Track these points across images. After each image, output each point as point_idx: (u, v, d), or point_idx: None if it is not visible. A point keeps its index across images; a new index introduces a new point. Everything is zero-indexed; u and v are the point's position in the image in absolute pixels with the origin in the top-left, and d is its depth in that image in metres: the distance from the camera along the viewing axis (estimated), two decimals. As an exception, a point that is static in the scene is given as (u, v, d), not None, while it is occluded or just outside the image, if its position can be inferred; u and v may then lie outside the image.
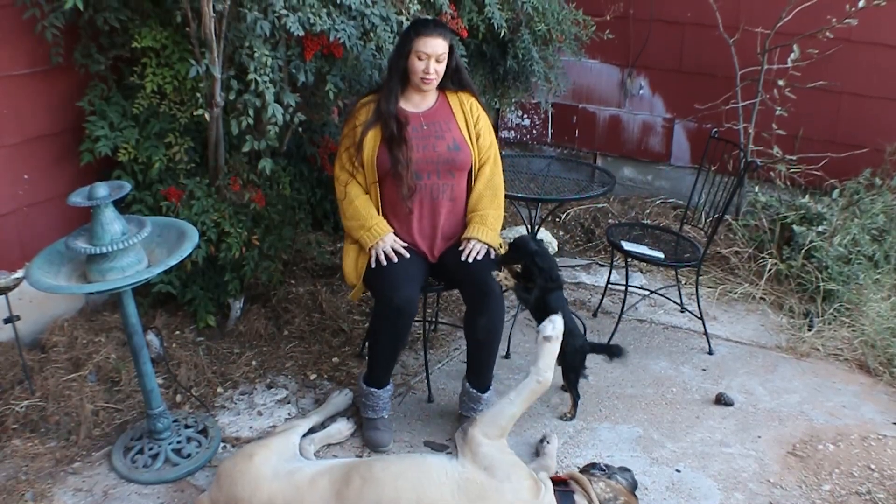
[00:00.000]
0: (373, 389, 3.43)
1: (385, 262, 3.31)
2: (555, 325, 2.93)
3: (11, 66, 3.60)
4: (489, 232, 3.41)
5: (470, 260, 3.33)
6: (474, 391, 3.44)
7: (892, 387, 3.86)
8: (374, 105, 3.39)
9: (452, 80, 3.49)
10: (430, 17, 3.66)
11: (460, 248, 3.38)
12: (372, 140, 3.36)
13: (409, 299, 3.22)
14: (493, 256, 3.39)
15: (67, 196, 2.85)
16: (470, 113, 3.51)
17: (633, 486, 2.90)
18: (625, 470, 2.94)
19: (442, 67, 3.35)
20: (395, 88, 3.37)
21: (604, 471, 2.89)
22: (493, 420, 2.85)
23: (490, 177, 3.52)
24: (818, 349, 4.15)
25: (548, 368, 2.89)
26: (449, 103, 3.50)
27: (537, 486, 2.70)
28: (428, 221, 3.46)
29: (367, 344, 3.75)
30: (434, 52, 3.28)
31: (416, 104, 3.45)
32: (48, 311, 3.91)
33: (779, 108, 4.92)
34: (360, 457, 3.36)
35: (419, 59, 3.30)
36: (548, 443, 3.36)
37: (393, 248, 3.34)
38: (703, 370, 4.01)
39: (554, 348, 2.92)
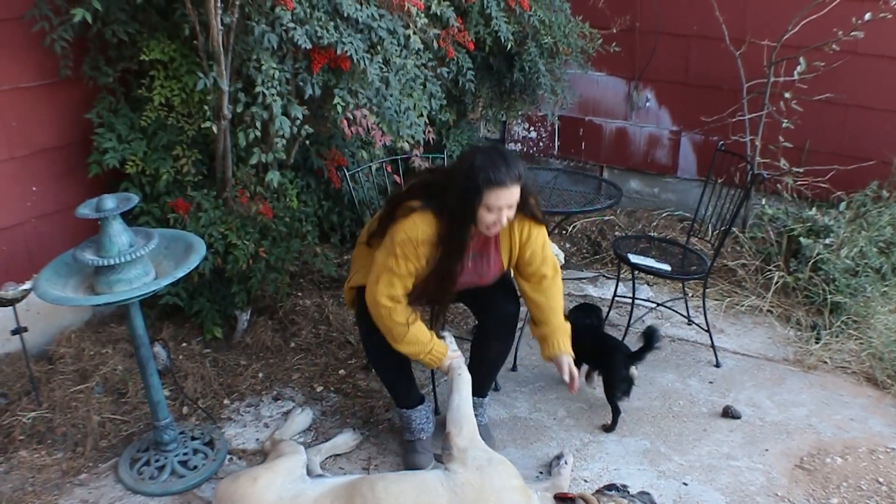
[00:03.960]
0: (403, 410, 3.39)
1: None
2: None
3: (20, 79, 3.62)
4: (569, 340, 3.30)
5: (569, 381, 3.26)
6: (475, 398, 3.40)
7: (901, 400, 3.84)
8: (436, 248, 2.99)
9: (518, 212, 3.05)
10: (499, 151, 2.93)
11: (561, 374, 3.27)
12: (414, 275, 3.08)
13: None
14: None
15: (75, 208, 2.87)
16: (518, 239, 3.15)
17: None
18: (644, 493, 2.94)
19: (513, 211, 2.96)
20: (464, 240, 2.97)
21: (620, 492, 2.88)
22: (463, 420, 2.96)
23: (557, 290, 3.27)
24: (826, 362, 4.13)
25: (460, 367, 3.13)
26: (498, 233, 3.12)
27: (524, 490, 2.77)
28: None
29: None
30: (508, 202, 2.88)
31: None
32: (56, 322, 3.92)
33: (785, 121, 4.91)
34: (367, 469, 3.36)
35: (489, 211, 2.87)
36: (565, 463, 3.33)
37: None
38: (711, 383, 4.00)
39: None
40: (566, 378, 3.24)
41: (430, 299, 3.19)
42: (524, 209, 3.03)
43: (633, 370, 3.64)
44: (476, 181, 2.82)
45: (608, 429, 3.61)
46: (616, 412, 3.61)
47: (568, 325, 3.31)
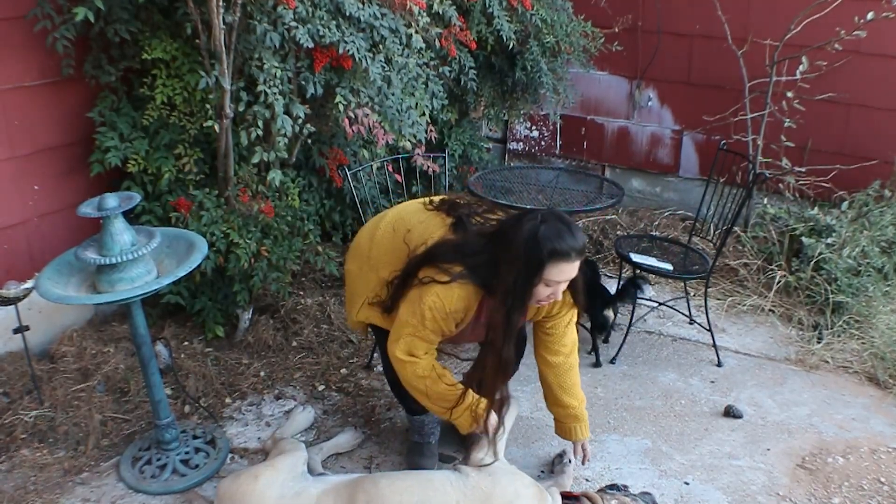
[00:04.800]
0: (415, 417, 3.32)
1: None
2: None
3: (23, 78, 3.63)
4: (585, 426, 3.13)
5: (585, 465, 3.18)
6: None
7: (903, 400, 3.84)
8: (471, 312, 2.76)
9: None
10: (562, 219, 2.60)
11: (577, 457, 3.17)
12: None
13: None
14: None
15: (77, 207, 2.87)
16: (544, 310, 2.92)
17: None
18: (645, 493, 2.94)
19: (566, 286, 2.69)
20: (519, 321, 2.69)
21: (622, 491, 2.89)
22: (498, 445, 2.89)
23: (571, 370, 3.06)
24: (827, 361, 4.13)
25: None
26: None
27: (541, 494, 2.71)
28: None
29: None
30: (569, 276, 2.61)
31: None
32: (57, 321, 3.93)
33: (787, 120, 4.91)
34: (368, 468, 3.36)
35: (547, 286, 2.60)
36: (568, 461, 3.30)
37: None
38: (712, 382, 4.00)
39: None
40: (578, 459, 3.17)
41: (479, 390, 2.83)
42: (574, 289, 2.80)
43: (608, 312, 3.89)
44: (540, 253, 2.51)
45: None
46: (595, 348, 4.11)
47: (584, 412, 3.11)
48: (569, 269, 2.57)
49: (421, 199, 3.10)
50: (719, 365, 4.13)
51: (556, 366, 3.04)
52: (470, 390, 2.80)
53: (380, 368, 3.93)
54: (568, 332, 3.01)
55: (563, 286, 2.64)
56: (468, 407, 2.80)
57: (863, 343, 4.18)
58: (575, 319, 3.02)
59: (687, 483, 3.29)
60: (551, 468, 3.34)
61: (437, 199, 3.03)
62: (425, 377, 2.78)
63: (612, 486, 2.97)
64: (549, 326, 2.98)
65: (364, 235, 3.11)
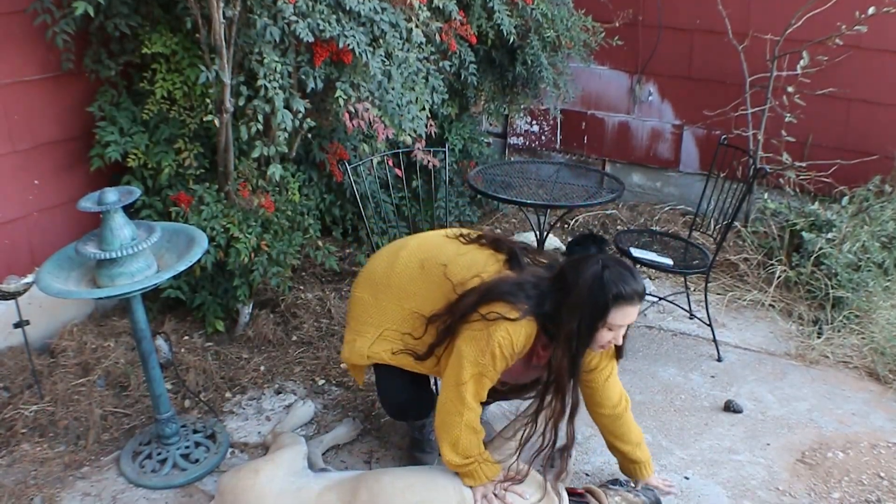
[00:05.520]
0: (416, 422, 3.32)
1: None
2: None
3: (22, 72, 3.62)
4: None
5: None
6: None
7: (903, 395, 3.85)
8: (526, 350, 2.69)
9: None
10: (623, 264, 2.62)
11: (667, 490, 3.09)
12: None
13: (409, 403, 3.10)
14: None
15: (77, 201, 2.86)
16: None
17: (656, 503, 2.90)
18: (647, 489, 2.94)
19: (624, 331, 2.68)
20: (580, 365, 2.66)
21: (624, 486, 2.89)
22: (497, 452, 2.84)
23: (620, 413, 2.96)
24: (827, 356, 4.13)
25: None
26: None
27: (549, 499, 2.70)
28: None
29: None
30: (631, 320, 2.61)
31: None
32: (58, 315, 3.92)
33: (788, 115, 4.91)
34: (368, 463, 3.36)
35: (610, 330, 2.58)
36: (568, 456, 3.25)
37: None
38: (712, 377, 4.00)
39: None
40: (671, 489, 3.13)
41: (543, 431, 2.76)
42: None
43: None
44: (606, 297, 2.50)
45: None
46: None
47: (642, 454, 3.03)
48: (632, 313, 2.56)
49: (442, 231, 3.04)
50: (719, 360, 4.13)
51: (604, 416, 2.98)
52: (482, 461, 2.74)
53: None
54: (609, 385, 2.91)
55: (624, 330, 2.63)
56: (475, 463, 2.73)
57: (863, 338, 4.18)
58: (615, 372, 2.93)
59: (687, 478, 3.29)
60: (551, 462, 3.33)
61: (467, 231, 2.98)
62: (472, 428, 2.70)
63: (615, 482, 2.97)
64: (590, 380, 2.89)
65: (380, 264, 3.02)
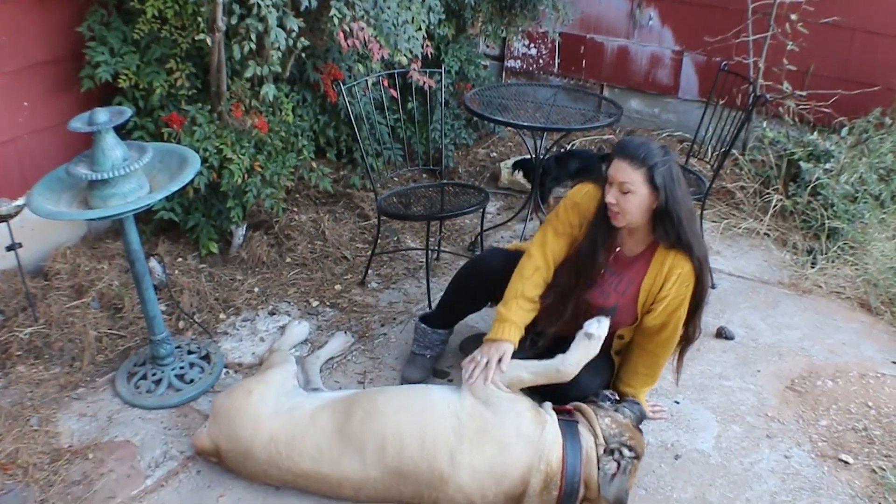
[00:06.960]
0: (424, 326, 3.40)
1: (482, 365, 2.83)
2: (599, 325, 2.85)
3: (9, -12, 3.53)
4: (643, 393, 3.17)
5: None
6: None
7: (893, 326, 3.86)
8: (597, 206, 2.90)
9: (667, 233, 2.81)
10: (645, 138, 2.97)
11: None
12: (568, 244, 3.01)
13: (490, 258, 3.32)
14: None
15: (68, 123, 2.81)
16: (664, 281, 2.88)
17: (640, 419, 2.92)
18: (634, 403, 2.95)
19: (629, 204, 2.74)
20: (605, 211, 2.86)
21: (610, 400, 2.89)
22: (501, 377, 2.80)
23: (664, 343, 3.02)
24: (820, 286, 4.14)
25: (575, 364, 2.80)
26: (650, 261, 2.91)
27: (540, 416, 2.72)
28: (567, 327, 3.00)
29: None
30: (615, 178, 2.74)
31: (624, 240, 2.96)
32: (50, 238, 3.90)
33: (790, 43, 4.82)
34: (362, 383, 3.39)
35: (609, 185, 2.77)
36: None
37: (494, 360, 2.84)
38: (705, 303, 4.01)
39: (591, 347, 2.83)
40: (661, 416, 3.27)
41: (558, 294, 2.97)
42: (674, 231, 2.78)
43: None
44: (613, 150, 2.81)
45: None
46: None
47: (637, 395, 3.13)
48: (621, 170, 2.71)
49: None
50: (713, 287, 4.13)
51: (632, 342, 3.10)
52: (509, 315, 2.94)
53: (373, 285, 4.05)
54: (658, 339, 3.00)
55: (620, 198, 2.73)
56: (506, 320, 2.92)
57: (856, 269, 4.20)
58: (670, 337, 2.99)
59: (677, 402, 3.33)
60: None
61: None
62: (520, 272, 2.99)
63: (604, 397, 2.92)
64: (647, 316, 2.97)
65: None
